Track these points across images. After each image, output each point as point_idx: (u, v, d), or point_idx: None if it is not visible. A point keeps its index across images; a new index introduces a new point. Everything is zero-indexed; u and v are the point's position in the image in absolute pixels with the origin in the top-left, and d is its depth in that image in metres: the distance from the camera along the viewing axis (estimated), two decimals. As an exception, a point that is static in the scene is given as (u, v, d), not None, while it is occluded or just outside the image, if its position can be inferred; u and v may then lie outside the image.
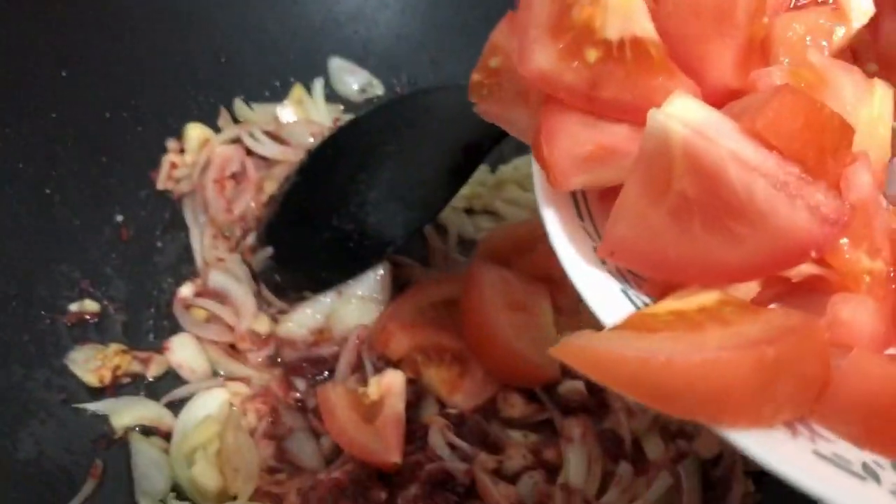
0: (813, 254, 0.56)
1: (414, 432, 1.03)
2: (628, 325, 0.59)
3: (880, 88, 0.70)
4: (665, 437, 1.05)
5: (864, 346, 0.60)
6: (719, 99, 0.67)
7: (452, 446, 1.01)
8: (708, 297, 0.59)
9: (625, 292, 0.65)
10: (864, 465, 0.54)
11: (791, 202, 0.55)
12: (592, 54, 0.65)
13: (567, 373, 1.07)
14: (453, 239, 1.32)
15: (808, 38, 0.70)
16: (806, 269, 0.59)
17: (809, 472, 0.51)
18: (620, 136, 0.67)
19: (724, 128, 0.58)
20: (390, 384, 1.04)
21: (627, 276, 0.67)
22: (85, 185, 1.23)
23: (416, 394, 1.09)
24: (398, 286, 1.22)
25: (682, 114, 0.58)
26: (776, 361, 0.52)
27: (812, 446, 0.54)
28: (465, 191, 1.32)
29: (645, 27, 0.64)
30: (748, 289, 0.60)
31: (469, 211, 1.37)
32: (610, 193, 0.66)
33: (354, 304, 1.18)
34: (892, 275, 0.63)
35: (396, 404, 1.02)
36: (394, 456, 0.97)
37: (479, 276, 1.10)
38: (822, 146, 0.59)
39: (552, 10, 0.67)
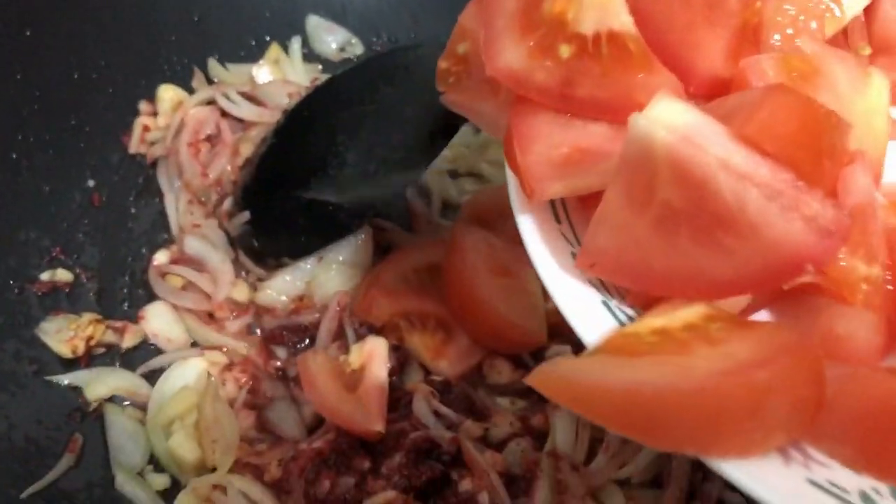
0: (810, 268, 0.52)
1: (398, 400, 1.01)
2: (610, 347, 0.55)
3: (877, 78, 0.66)
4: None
5: (861, 360, 0.57)
6: (707, 90, 0.63)
7: (437, 414, 0.99)
8: (693, 312, 0.56)
9: (606, 304, 0.61)
10: (862, 494, 0.51)
11: (785, 213, 0.52)
12: (566, 50, 0.62)
13: (555, 337, 1.04)
14: (437, 203, 1.29)
15: (800, 22, 0.66)
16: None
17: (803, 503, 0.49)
18: (599, 137, 0.63)
19: (712, 133, 0.54)
20: (372, 351, 1.01)
21: (609, 285, 0.63)
22: (54, 150, 1.18)
23: (400, 360, 1.06)
24: (381, 251, 1.19)
25: (667, 118, 0.54)
26: (768, 385, 0.49)
27: (806, 473, 0.51)
28: (448, 152, 1.29)
29: (623, 21, 0.61)
30: (737, 301, 0.57)
31: (453, 174, 1.34)
32: (590, 197, 0.63)
33: (335, 270, 1.15)
34: (889, 278, 0.60)
35: (379, 372, 0.99)
36: (377, 424, 0.94)
37: (463, 241, 1.07)
38: (818, 148, 0.55)
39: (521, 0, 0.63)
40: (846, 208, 0.55)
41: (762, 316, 0.61)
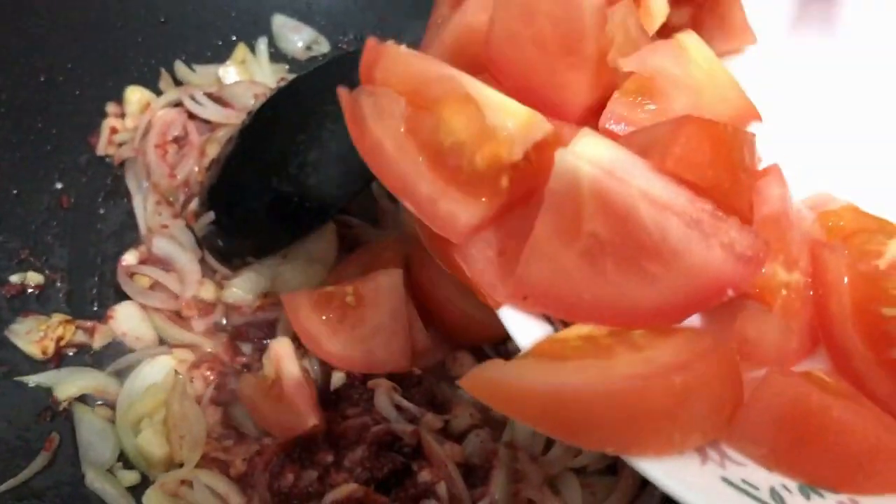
0: (730, 292, 0.55)
1: (361, 395, 1.03)
2: (538, 352, 0.58)
3: (685, 39, 0.70)
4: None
5: (771, 362, 0.60)
6: (580, 120, 0.66)
7: (399, 408, 1.01)
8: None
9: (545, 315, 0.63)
10: (772, 491, 0.54)
11: (705, 240, 0.54)
12: (505, 181, 0.63)
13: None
14: (404, 201, 1.30)
15: (628, 30, 0.69)
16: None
17: (717, 500, 0.52)
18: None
19: (633, 166, 0.56)
20: (278, 353, 1.03)
21: None
22: (21, 152, 1.20)
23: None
24: (348, 247, 1.21)
25: (591, 152, 0.56)
26: (686, 388, 0.51)
27: (721, 472, 0.54)
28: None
29: (544, 129, 0.62)
30: None
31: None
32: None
33: (299, 267, 1.17)
34: (810, 285, 0.63)
35: (291, 370, 1.01)
36: (309, 420, 0.97)
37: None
38: (732, 164, 0.58)
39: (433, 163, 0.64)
40: (762, 223, 0.57)
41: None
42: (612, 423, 0.52)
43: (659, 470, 0.53)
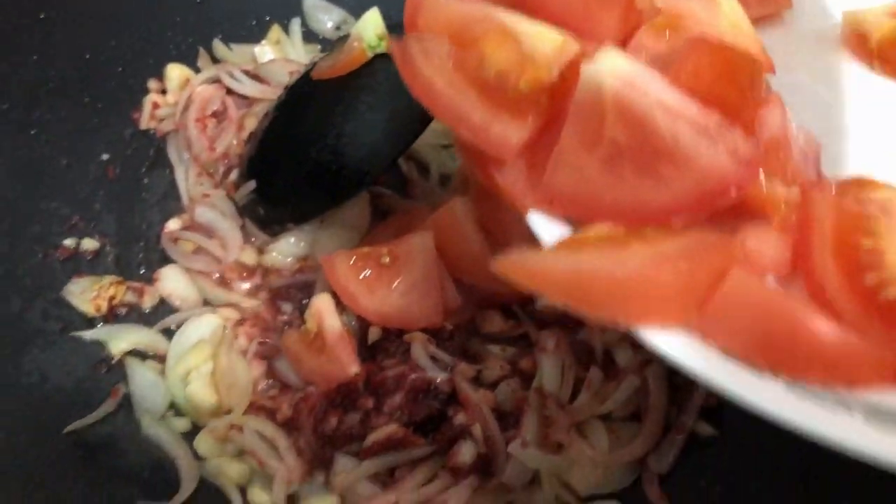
0: (733, 192, 0.61)
1: (397, 348, 1.09)
2: (562, 245, 0.65)
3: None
4: (635, 346, 1.11)
5: (766, 271, 0.65)
6: None
7: (434, 358, 1.07)
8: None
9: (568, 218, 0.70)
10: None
11: (713, 145, 0.62)
12: (545, 100, 0.69)
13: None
14: (435, 176, 1.36)
15: None
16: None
17: (713, 367, 0.58)
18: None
19: (650, 79, 0.64)
20: (319, 308, 1.09)
21: None
22: (69, 126, 1.26)
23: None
24: (380, 216, 1.27)
25: (612, 66, 0.64)
26: (690, 272, 0.58)
27: (709, 345, 0.60)
28: (441, 126, 1.36)
29: (575, 49, 0.69)
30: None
31: (447, 146, 1.41)
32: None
33: (336, 233, 1.23)
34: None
35: (333, 323, 1.07)
36: (351, 368, 1.03)
37: (455, 204, 1.15)
38: (739, 84, 0.65)
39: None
40: (762, 142, 0.64)
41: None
42: (622, 298, 0.58)
43: (662, 340, 0.59)
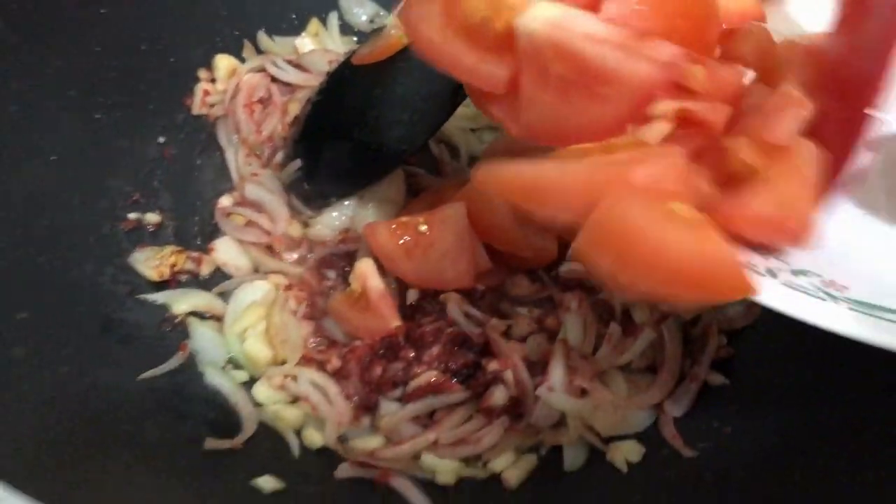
0: (660, 94, 0.71)
1: (433, 307, 1.20)
2: (535, 158, 0.74)
3: None
4: (651, 305, 1.21)
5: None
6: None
7: (468, 315, 1.18)
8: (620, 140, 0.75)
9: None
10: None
11: (632, 57, 0.72)
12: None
13: (565, 252, 1.23)
14: (464, 157, 1.46)
15: None
16: (669, 105, 0.73)
17: None
18: None
19: (576, 17, 0.75)
20: (363, 271, 1.19)
21: None
22: (129, 111, 1.37)
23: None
24: (413, 193, 1.38)
25: (540, 14, 0.76)
26: (645, 177, 0.67)
27: None
28: (469, 111, 1.47)
29: None
30: (658, 130, 0.74)
31: (475, 130, 1.51)
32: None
33: (374, 207, 1.33)
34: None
35: (375, 283, 1.17)
36: (392, 322, 1.14)
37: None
38: (693, 17, 0.76)
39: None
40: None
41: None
42: (579, 195, 0.67)
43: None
